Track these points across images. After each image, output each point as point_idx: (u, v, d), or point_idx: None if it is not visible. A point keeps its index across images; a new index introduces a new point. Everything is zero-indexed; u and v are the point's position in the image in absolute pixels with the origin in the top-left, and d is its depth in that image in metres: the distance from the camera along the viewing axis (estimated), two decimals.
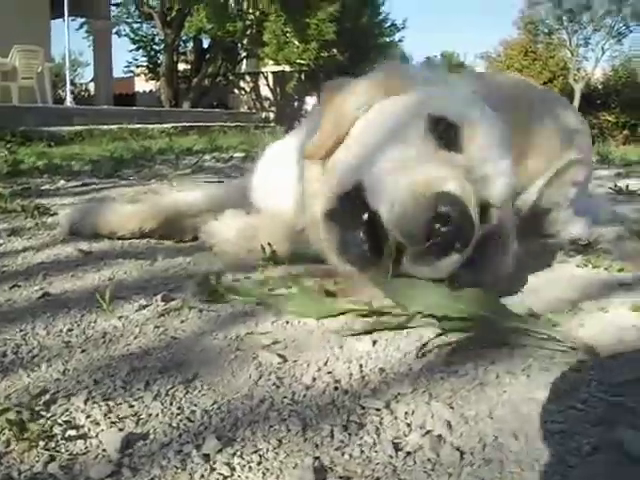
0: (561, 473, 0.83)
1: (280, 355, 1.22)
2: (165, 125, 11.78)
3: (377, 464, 0.85)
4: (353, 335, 1.31)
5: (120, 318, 1.44)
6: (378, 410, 1.01)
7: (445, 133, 1.45)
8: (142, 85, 27.13)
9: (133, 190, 3.68)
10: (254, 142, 7.88)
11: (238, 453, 0.90)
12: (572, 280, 1.77)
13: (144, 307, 1.52)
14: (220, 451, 0.90)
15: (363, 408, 1.02)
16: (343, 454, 0.89)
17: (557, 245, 2.19)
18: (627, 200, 3.57)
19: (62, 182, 4.08)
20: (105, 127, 10.37)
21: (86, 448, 0.91)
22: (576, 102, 25.15)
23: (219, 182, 3.88)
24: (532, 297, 1.58)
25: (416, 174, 1.32)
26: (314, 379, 1.13)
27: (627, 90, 29.67)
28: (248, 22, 21.34)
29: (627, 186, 3.83)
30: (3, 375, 1.15)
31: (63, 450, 0.90)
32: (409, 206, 1.26)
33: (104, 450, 0.90)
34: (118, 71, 24.32)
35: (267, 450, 0.91)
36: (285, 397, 1.06)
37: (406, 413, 1.00)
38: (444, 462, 0.86)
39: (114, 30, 20.62)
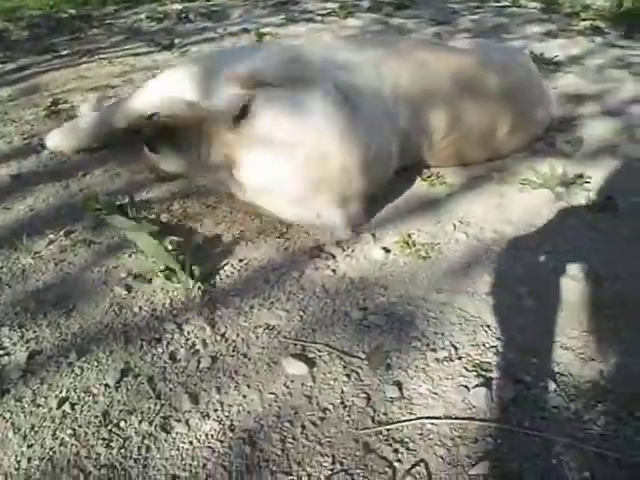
0: None
1: (127, 287, 1.95)
2: None
3: None
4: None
5: (35, 255, 2.10)
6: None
7: None
8: None
9: (65, 77, 4.17)
10: None
11: (86, 362, 1.65)
12: None
13: (52, 242, 2.17)
14: (78, 359, 1.66)
15: (170, 328, 1.80)
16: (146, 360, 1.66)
17: None
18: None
19: None
20: None
21: (9, 361, 1.66)
22: None
23: None
24: None
25: None
26: (140, 308, 1.86)
27: None
28: None
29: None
30: None
31: None
32: None
33: (18, 361, 1.67)
34: None
35: (104, 358, 1.67)
36: (120, 323, 1.80)
37: None
38: None
39: None
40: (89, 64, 4.42)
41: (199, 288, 1.88)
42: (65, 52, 4.79)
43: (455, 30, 5.37)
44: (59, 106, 3.39)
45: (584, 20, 6.03)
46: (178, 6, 6.64)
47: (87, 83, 3.88)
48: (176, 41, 4.92)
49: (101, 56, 4.60)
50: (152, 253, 1.86)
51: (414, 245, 2.07)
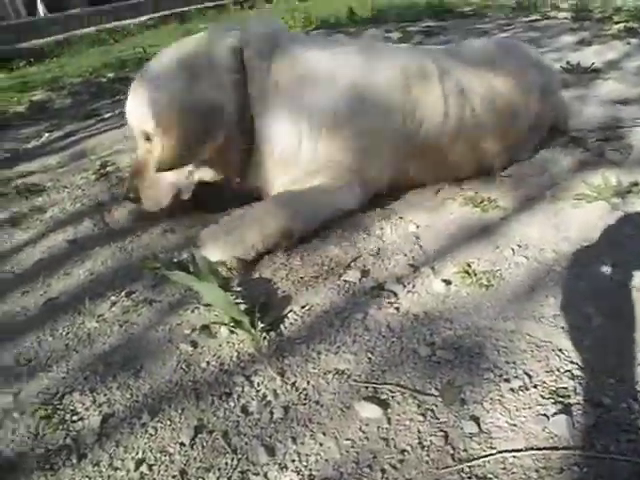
0: None
1: (193, 342, 1.95)
2: (142, 18, 12.02)
3: None
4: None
5: (99, 318, 2.13)
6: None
7: None
8: None
9: (110, 140, 4.27)
10: None
11: (159, 422, 1.65)
12: None
13: (114, 304, 2.19)
14: (151, 420, 1.67)
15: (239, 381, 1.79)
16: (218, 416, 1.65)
17: None
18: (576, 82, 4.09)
19: (46, 135, 4.68)
20: (81, 32, 10.66)
21: (83, 426, 1.68)
22: None
23: None
24: None
25: None
26: (208, 363, 1.86)
27: None
28: None
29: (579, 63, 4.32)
30: (31, 378, 1.88)
31: (72, 429, 1.66)
32: None
33: (92, 426, 1.68)
34: None
35: (176, 416, 1.67)
36: (189, 380, 1.80)
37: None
38: None
39: None
40: None
41: (265, 338, 1.86)
42: (108, 115, 4.90)
43: None
44: (107, 168, 3.46)
45: (617, 23, 5.98)
46: None
47: (133, 144, 3.91)
48: None
49: None
50: (220, 305, 1.87)
51: (475, 274, 2.04)
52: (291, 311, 1.94)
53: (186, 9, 13.15)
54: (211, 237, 2.28)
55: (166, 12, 12.92)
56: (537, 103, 2.87)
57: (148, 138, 2.39)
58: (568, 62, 4.40)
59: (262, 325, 1.87)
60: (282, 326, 1.86)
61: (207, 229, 2.31)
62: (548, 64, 3.22)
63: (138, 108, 2.39)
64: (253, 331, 1.85)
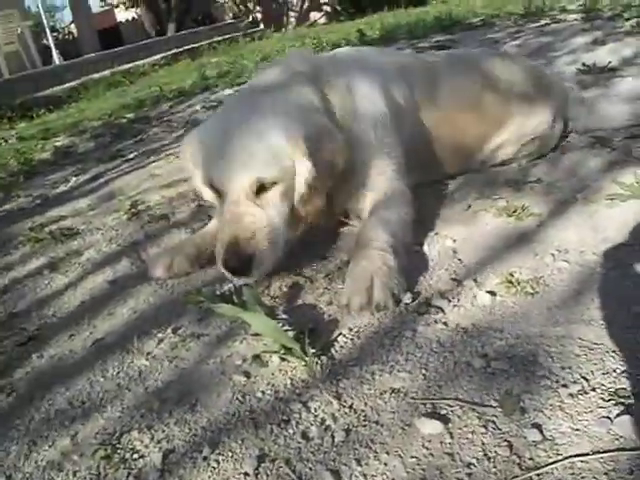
0: None
1: (245, 373, 1.96)
2: (155, 57, 12.23)
3: None
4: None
5: (147, 356, 2.14)
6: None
7: None
8: (123, 15, 26.66)
9: (137, 179, 4.34)
10: (240, 67, 8.45)
11: (220, 454, 1.66)
12: None
13: (161, 341, 2.21)
14: (212, 452, 1.67)
15: (297, 407, 1.79)
16: (279, 443, 1.64)
17: None
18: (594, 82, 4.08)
19: (74, 179, 4.78)
20: (97, 75, 10.85)
21: (144, 464, 1.68)
22: None
23: None
24: None
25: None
26: (263, 392, 1.86)
27: None
28: None
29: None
30: (87, 419, 1.89)
31: (133, 467, 1.67)
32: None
33: (153, 463, 1.69)
34: (96, 6, 24.03)
35: (237, 447, 1.67)
36: (246, 410, 1.80)
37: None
38: None
39: None
40: (157, 162, 4.57)
41: (317, 363, 1.86)
42: (132, 155, 4.97)
43: None
44: (138, 207, 3.50)
45: (628, 20, 5.94)
46: (229, 91, 6.87)
47: (160, 181, 4.01)
48: None
49: (167, 152, 4.75)
50: (270, 334, 1.86)
51: (518, 283, 2.03)
52: (340, 334, 1.92)
53: (196, 45, 13.28)
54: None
55: (177, 49, 13.06)
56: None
57: (262, 189, 2.18)
58: (584, 63, 4.39)
59: (313, 350, 1.87)
60: (333, 350, 1.84)
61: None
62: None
63: (252, 156, 2.16)
64: (305, 357, 1.84)
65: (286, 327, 2.01)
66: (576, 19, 7.00)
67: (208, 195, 2.32)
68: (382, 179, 2.46)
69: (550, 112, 3.01)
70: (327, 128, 2.24)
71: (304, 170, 2.13)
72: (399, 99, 2.62)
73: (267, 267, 2.15)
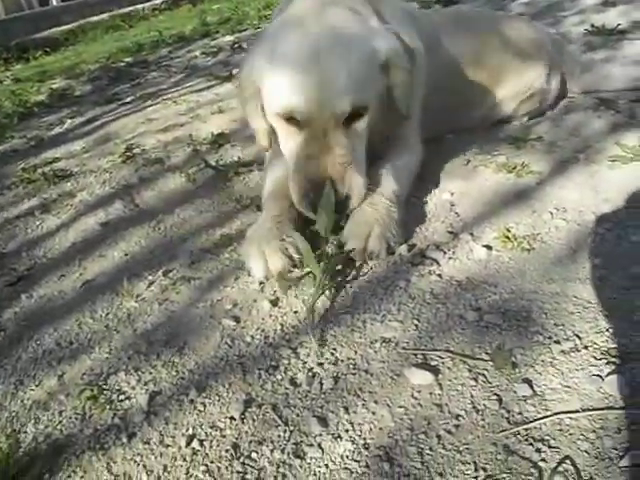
0: None
1: (235, 317, 1.94)
2: (155, 1, 12.02)
3: None
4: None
5: (137, 298, 2.13)
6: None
7: None
8: None
9: (133, 122, 4.26)
10: (241, 14, 8.31)
11: (207, 397, 1.64)
12: None
13: (152, 283, 2.19)
14: (198, 396, 1.65)
15: (286, 353, 1.77)
16: (266, 389, 1.63)
17: None
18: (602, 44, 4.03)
19: (69, 121, 4.70)
20: (95, 18, 10.67)
21: (130, 405, 1.67)
22: None
23: None
24: None
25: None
26: (252, 337, 1.84)
27: None
28: None
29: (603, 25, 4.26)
30: (74, 360, 1.88)
31: (119, 408, 1.66)
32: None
33: (139, 404, 1.67)
34: None
35: (224, 391, 1.65)
36: (234, 354, 1.78)
37: None
38: None
39: None
40: (154, 107, 4.49)
41: (308, 310, 1.80)
42: (129, 99, 4.89)
43: None
44: (133, 151, 3.44)
45: None
46: (230, 38, 6.75)
47: (156, 125, 3.95)
48: (234, 72, 4.98)
49: (164, 97, 4.68)
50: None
51: (515, 239, 2.01)
52: (333, 282, 1.89)
53: None
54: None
55: None
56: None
57: (352, 116, 2.02)
58: (592, 24, 4.31)
59: (304, 298, 1.85)
60: (325, 297, 1.79)
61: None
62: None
63: (347, 80, 1.95)
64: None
65: None
66: None
67: (277, 125, 2.11)
68: (415, 112, 2.39)
69: (544, 67, 3.07)
70: (405, 44, 2.16)
71: (404, 81, 2.09)
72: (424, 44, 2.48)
73: (356, 203, 2.03)
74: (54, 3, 13.17)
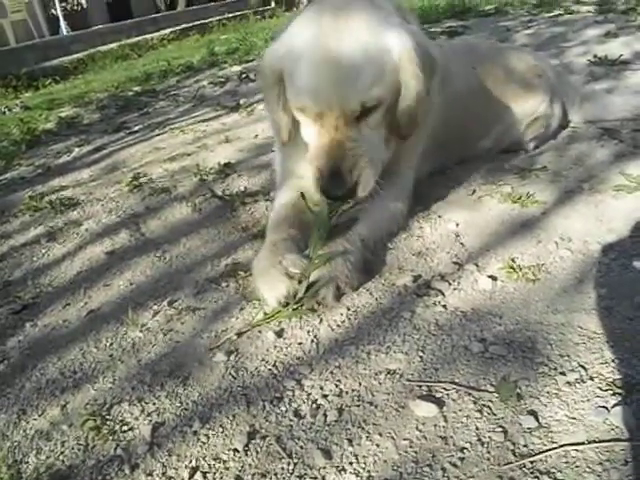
0: None
1: (239, 348, 1.93)
2: (164, 31, 12.13)
3: None
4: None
5: (142, 327, 2.12)
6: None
7: None
8: None
9: (141, 152, 4.30)
10: (249, 45, 8.40)
11: (211, 429, 1.63)
12: None
13: (157, 313, 2.19)
14: (202, 427, 1.64)
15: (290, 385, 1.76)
16: (270, 421, 1.62)
17: None
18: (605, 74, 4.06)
19: (77, 150, 4.72)
20: (105, 48, 10.78)
21: (133, 436, 1.66)
22: None
23: None
24: None
25: None
26: (256, 368, 1.83)
27: None
28: None
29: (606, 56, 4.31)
30: (77, 389, 1.87)
31: (122, 439, 1.65)
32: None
33: (143, 435, 1.66)
34: None
35: (227, 423, 1.64)
36: (238, 385, 1.77)
37: None
38: None
39: None
40: (162, 136, 4.52)
41: (312, 341, 1.81)
42: (137, 128, 4.92)
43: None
44: (140, 180, 3.46)
45: None
46: (237, 68, 6.82)
47: (163, 154, 3.98)
48: (241, 102, 5.03)
49: (172, 126, 4.70)
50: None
51: (520, 269, 2.00)
52: (337, 313, 1.93)
53: (206, 21, 13.20)
54: None
55: (187, 25, 12.98)
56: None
57: (366, 111, 2.03)
58: (595, 55, 4.35)
59: (309, 329, 1.85)
60: (329, 328, 1.79)
61: None
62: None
63: (360, 74, 1.95)
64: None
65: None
66: (589, 11, 6.94)
67: (296, 113, 2.13)
68: (418, 141, 2.47)
69: (547, 92, 3.13)
70: (427, 40, 2.15)
71: (414, 84, 2.02)
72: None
73: (367, 193, 2.04)
74: (64, 32, 13.34)
